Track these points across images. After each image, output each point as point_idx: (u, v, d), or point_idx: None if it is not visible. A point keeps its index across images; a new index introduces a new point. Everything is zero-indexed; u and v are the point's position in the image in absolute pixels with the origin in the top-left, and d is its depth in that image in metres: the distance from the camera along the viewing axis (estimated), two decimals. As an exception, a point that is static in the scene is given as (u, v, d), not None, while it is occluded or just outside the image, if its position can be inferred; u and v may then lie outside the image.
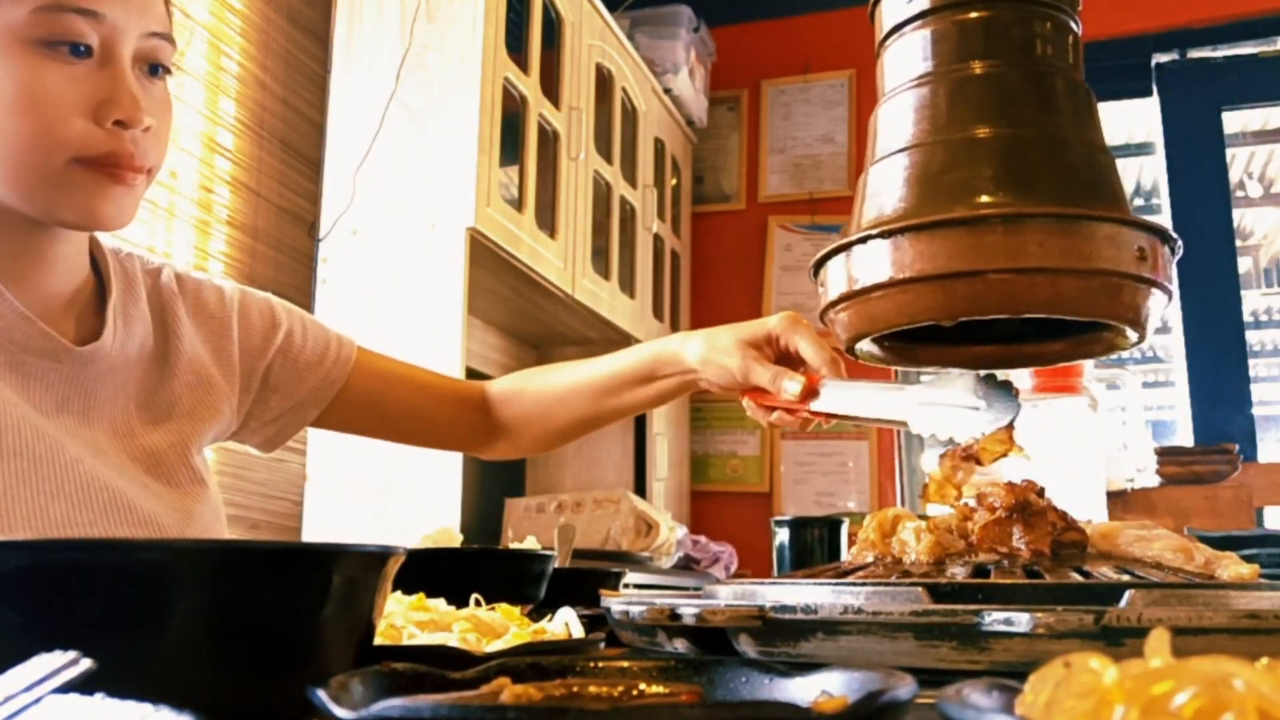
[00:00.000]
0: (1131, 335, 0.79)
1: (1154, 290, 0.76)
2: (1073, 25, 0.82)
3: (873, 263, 0.77)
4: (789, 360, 0.98)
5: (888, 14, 0.85)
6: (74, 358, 0.87)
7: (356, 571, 0.45)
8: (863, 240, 0.78)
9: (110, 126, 0.81)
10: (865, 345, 0.86)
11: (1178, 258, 0.78)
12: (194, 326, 1.00)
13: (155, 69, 0.86)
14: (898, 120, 0.82)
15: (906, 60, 0.83)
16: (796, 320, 0.97)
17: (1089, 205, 0.75)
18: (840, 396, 0.91)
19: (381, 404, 1.11)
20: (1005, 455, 0.81)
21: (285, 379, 1.06)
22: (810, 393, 0.92)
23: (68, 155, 0.80)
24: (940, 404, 0.82)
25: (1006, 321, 0.82)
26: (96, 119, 0.81)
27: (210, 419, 0.98)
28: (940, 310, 0.75)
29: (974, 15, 0.80)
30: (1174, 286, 0.77)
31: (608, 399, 1.09)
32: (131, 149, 0.82)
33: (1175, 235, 0.77)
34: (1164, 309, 0.78)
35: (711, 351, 0.99)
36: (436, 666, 0.39)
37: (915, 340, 0.87)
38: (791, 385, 0.93)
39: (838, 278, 0.82)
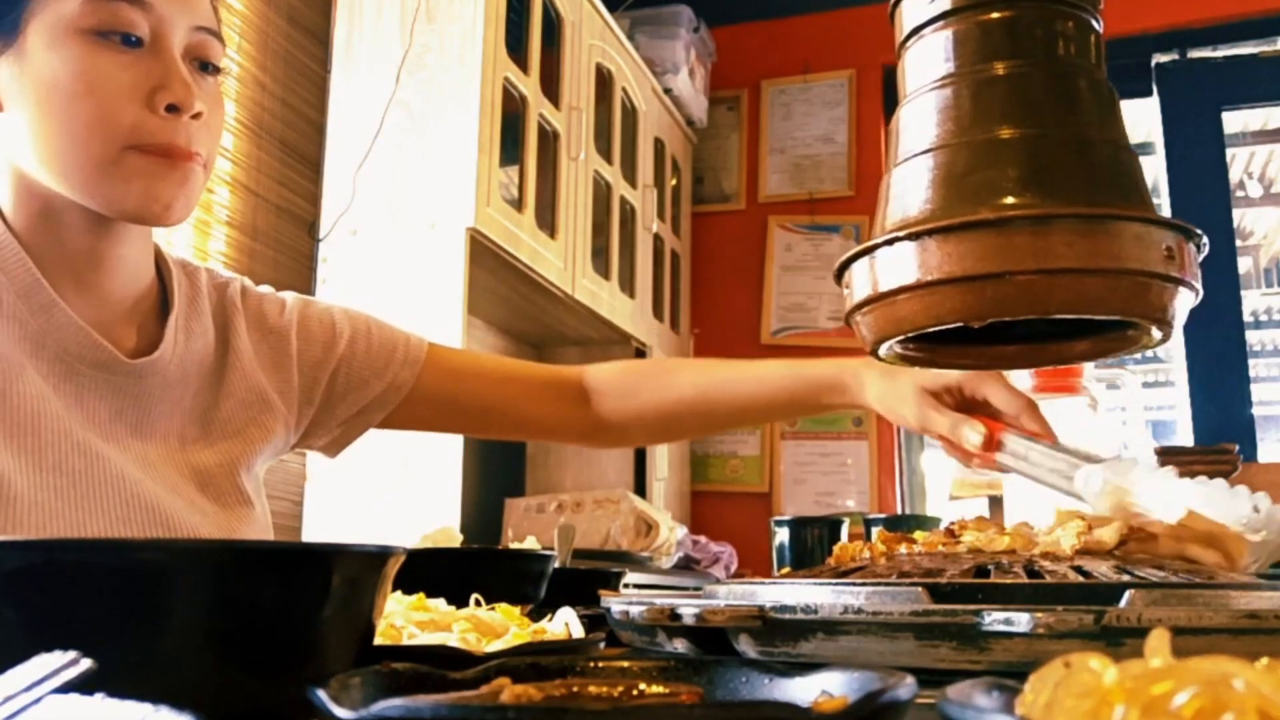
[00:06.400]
0: (1157, 334, 0.78)
1: (1181, 289, 0.75)
2: (1094, 23, 0.82)
3: (898, 265, 0.76)
4: (973, 406, 0.97)
5: (908, 15, 0.84)
6: (126, 370, 0.86)
7: (356, 571, 0.45)
8: (889, 243, 0.77)
9: (164, 113, 0.82)
10: (888, 347, 0.85)
11: (1203, 255, 0.77)
12: (253, 342, 0.99)
13: (205, 66, 0.88)
14: (920, 122, 0.81)
15: (928, 61, 0.82)
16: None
17: (1115, 205, 0.74)
18: (1022, 453, 0.90)
19: (456, 401, 1.10)
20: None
21: (349, 387, 1.05)
22: (992, 443, 0.92)
23: (123, 142, 0.81)
24: (1119, 488, 0.83)
25: (1031, 322, 0.81)
26: (150, 105, 0.82)
27: (262, 440, 0.97)
28: (967, 312, 0.74)
29: (996, 15, 0.79)
30: (1200, 285, 0.76)
31: (753, 414, 1.09)
32: (185, 135, 0.83)
33: (1201, 233, 0.76)
34: (1190, 307, 0.77)
35: (889, 396, 1.00)
36: (436, 666, 0.39)
37: (938, 340, 0.86)
38: (973, 436, 0.93)
39: (863, 281, 0.81)
